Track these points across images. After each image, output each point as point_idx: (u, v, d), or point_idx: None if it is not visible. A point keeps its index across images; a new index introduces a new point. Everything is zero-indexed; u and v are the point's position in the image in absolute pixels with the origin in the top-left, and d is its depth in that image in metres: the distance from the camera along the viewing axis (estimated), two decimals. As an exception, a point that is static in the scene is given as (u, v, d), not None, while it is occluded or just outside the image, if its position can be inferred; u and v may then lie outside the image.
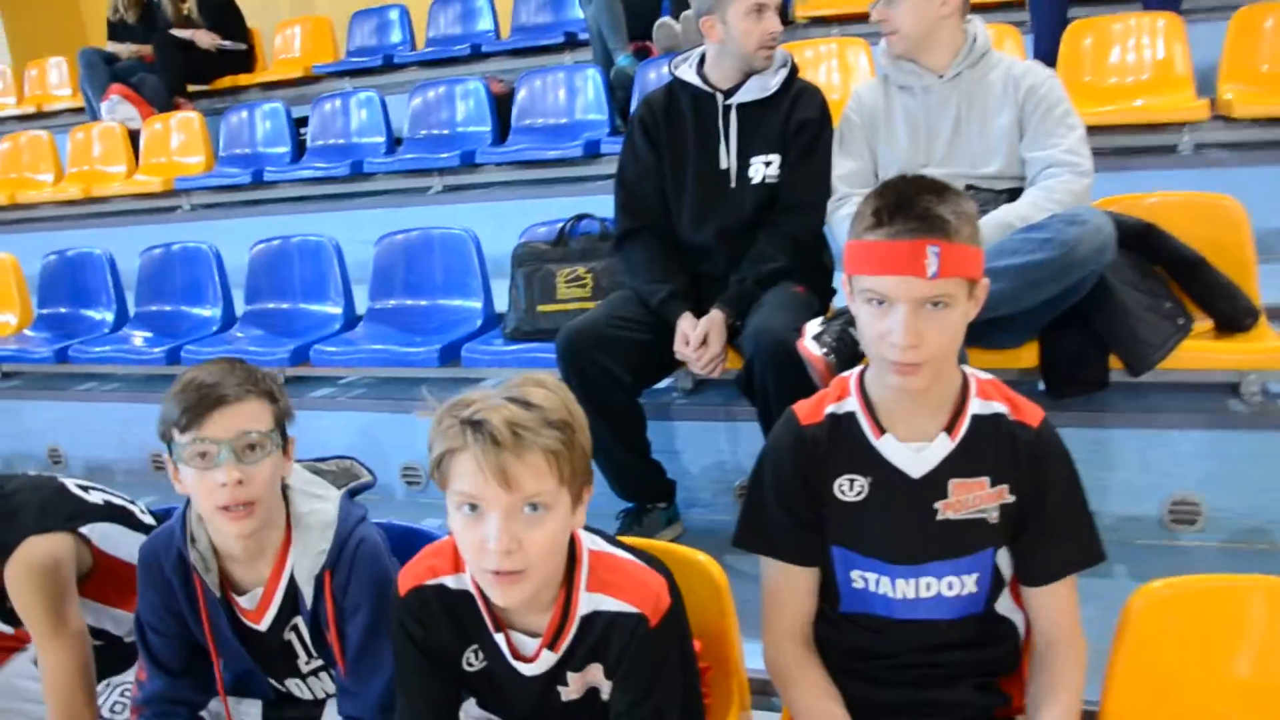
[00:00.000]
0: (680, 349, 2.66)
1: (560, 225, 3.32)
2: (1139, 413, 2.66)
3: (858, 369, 1.58)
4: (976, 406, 1.51)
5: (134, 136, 5.97)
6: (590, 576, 1.48)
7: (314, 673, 1.83)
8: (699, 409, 3.04)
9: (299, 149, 5.41)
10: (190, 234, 4.43)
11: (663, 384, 3.08)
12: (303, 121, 5.50)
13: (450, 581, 1.51)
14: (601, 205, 3.15)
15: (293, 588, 1.74)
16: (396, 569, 1.76)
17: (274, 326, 3.85)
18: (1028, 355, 2.63)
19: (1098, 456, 2.65)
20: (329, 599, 1.72)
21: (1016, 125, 2.57)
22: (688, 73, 2.85)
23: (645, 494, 2.85)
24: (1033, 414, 1.51)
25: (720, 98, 2.79)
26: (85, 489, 2.10)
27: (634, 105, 3.34)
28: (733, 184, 2.79)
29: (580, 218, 3.32)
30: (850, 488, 1.53)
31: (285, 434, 1.72)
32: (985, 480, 1.49)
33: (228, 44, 6.48)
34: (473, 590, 1.49)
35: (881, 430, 1.52)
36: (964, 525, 1.50)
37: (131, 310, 4.32)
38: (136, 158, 5.89)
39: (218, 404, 1.61)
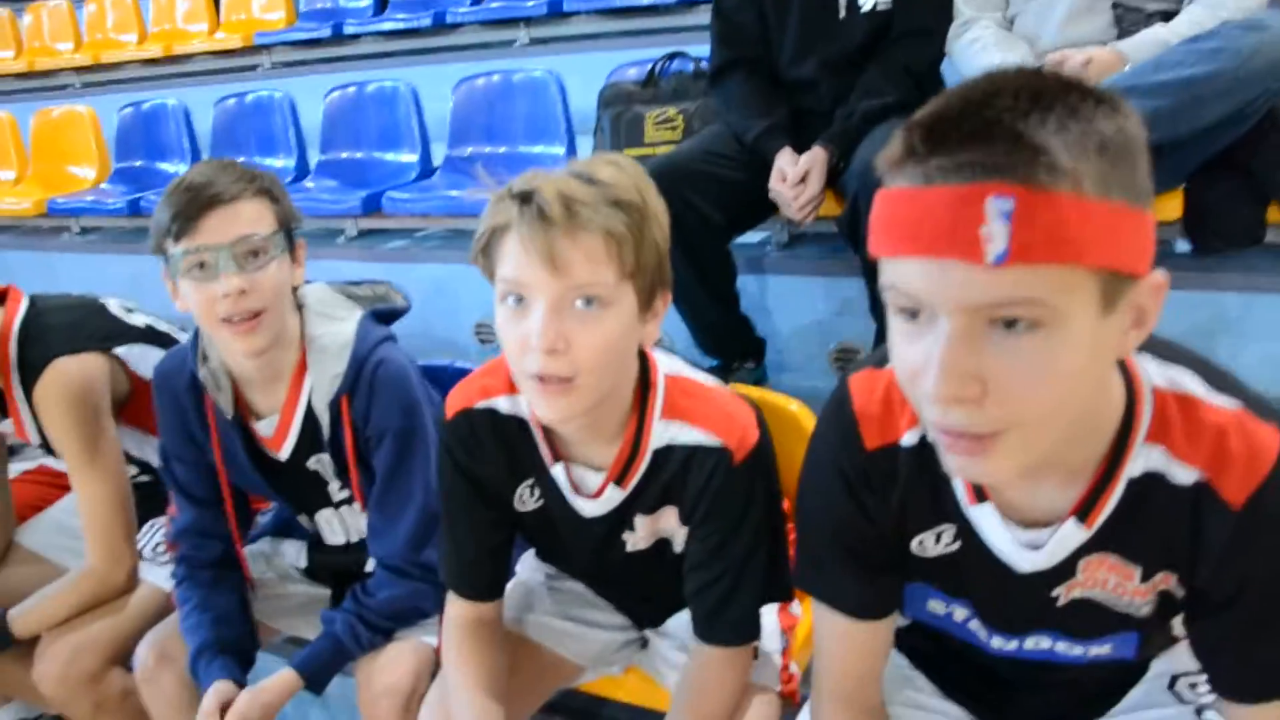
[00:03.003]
0: (776, 185, 2.40)
1: (650, 65, 3.05)
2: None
3: None
4: (1141, 462, 0.92)
5: (216, -5, 5.82)
6: (666, 402, 1.26)
7: (347, 502, 1.67)
8: (795, 262, 2.79)
9: (381, 3, 5.18)
10: (269, 90, 4.28)
11: (756, 238, 2.84)
12: (386, -24, 5.26)
13: (503, 404, 1.30)
14: (699, 54, 2.88)
15: (311, 415, 1.58)
16: (429, 397, 1.59)
17: (347, 176, 3.72)
18: (1168, 206, 2.31)
19: (1243, 325, 2.34)
20: (348, 426, 1.56)
21: None
22: (794, -113, 2.54)
23: (732, 351, 2.63)
24: (1248, 471, 0.89)
25: (830, -85, 2.48)
26: (129, 310, 1.96)
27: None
28: (841, 13, 2.49)
29: (672, 56, 3.05)
30: (935, 542, 1.05)
31: (292, 238, 1.55)
32: (1135, 570, 0.98)
33: (313, -101, 6.24)
34: (529, 416, 1.29)
35: (979, 495, 1.00)
36: (1098, 608, 1.02)
37: (206, 162, 4.21)
38: (218, 15, 5.74)
39: (211, 205, 1.44)
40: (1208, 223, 2.27)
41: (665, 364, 1.30)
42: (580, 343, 1.10)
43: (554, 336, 1.09)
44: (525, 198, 1.09)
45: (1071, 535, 0.96)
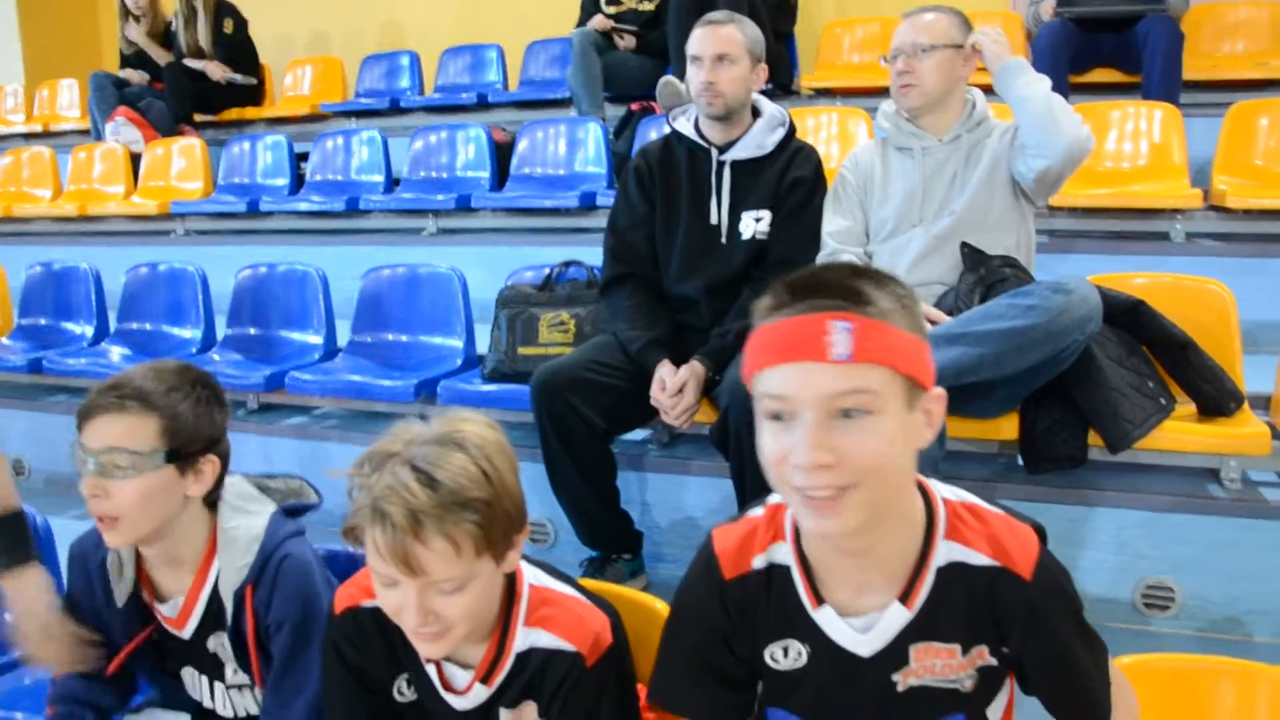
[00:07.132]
0: (656, 395, 2.62)
1: (548, 270, 3.30)
2: (1116, 492, 2.61)
3: None
4: (944, 554, 1.21)
5: (135, 160, 5.97)
6: (529, 612, 1.43)
7: (239, 688, 1.77)
8: (672, 462, 2.99)
9: (298, 183, 5.40)
10: (183, 258, 4.40)
11: (638, 436, 3.04)
12: (304, 157, 5.49)
13: None
14: (594, 256, 3.13)
15: (216, 599, 1.69)
16: (331, 586, 1.71)
17: (253, 351, 3.81)
18: (1008, 427, 2.59)
19: (1072, 534, 2.60)
20: (250, 614, 1.67)
21: (1010, 181, 2.60)
22: (685, 126, 2.86)
23: (611, 543, 2.79)
24: (1024, 554, 1.19)
25: (715, 153, 2.79)
26: None
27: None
28: (723, 239, 2.78)
29: (569, 264, 3.30)
30: (785, 655, 1.27)
31: (190, 454, 1.62)
32: (955, 648, 1.22)
33: (238, 77, 6.51)
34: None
35: (819, 599, 1.23)
36: (931, 693, 1.23)
37: (113, 326, 4.28)
38: (136, 180, 5.89)
39: (93, 412, 1.56)
40: (1037, 447, 2.54)
41: (530, 575, 1.46)
42: (447, 611, 1.30)
43: (422, 615, 1.28)
44: (379, 514, 1.25)
45: (897, 616, 1.20)
